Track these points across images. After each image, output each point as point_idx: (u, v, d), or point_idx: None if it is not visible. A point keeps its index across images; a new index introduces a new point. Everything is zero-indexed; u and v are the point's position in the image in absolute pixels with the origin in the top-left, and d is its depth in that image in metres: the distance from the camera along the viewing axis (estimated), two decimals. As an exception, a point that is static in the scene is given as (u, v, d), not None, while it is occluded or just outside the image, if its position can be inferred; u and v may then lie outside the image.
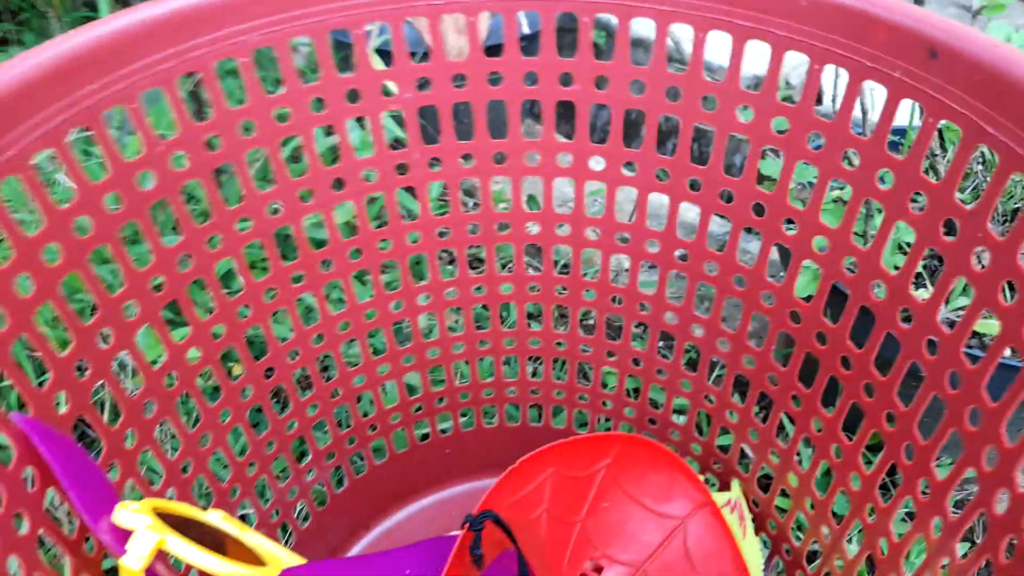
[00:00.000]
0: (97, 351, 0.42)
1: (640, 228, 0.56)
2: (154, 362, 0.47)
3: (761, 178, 0.50)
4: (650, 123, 0.51)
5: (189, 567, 0.49)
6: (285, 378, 0.58)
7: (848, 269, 0.46)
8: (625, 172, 0.54)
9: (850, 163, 0.44)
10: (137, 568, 0.34)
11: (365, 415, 0.66)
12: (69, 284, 0.41)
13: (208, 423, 0.53)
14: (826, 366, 0.49)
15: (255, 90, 0.45)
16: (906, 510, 0.64)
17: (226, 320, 0.51)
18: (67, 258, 0.39)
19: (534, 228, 0.59)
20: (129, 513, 0.35)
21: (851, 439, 0.49)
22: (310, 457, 0.64)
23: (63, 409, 0.40)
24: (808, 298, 0.50)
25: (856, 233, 0.58)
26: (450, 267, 0.65)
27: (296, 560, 0.46)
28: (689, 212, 0.65)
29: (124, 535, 0.35)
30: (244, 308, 0.52)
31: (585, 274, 0.61)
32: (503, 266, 0.61)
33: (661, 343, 0.69)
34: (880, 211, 0.43)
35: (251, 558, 0.40)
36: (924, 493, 0.42)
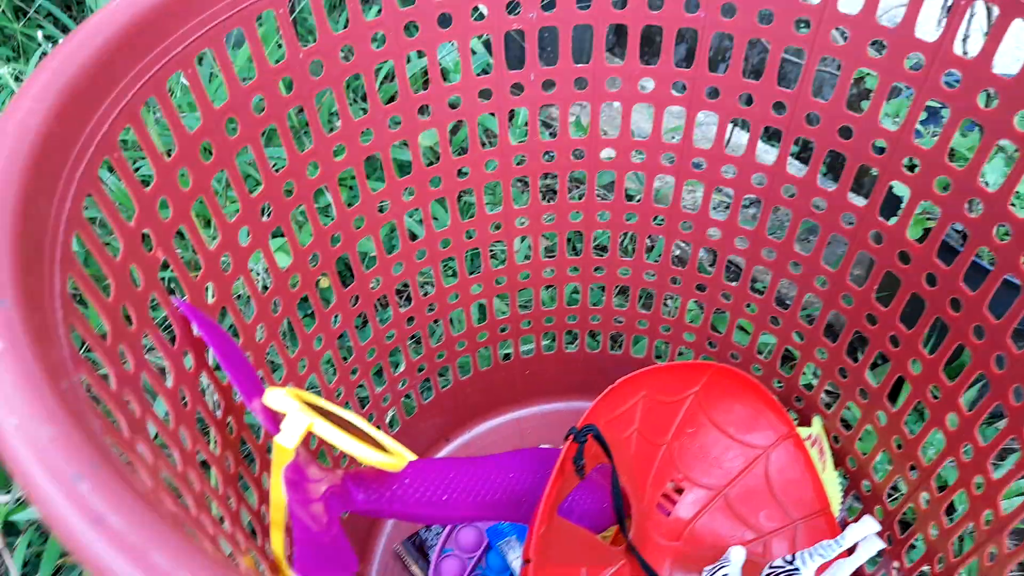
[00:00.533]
0: (238, 247, 0.44)
1: (749, 162, 0.56)
2: (282, 266, 0.50)
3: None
4: (737, 48, 0.50)
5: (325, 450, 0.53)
6: (388, 289, 0.60)
7: (971, 212, 0.46)
8: (708, 99, 0.53)
9: (987, 103, 0.43)
10: (291, 447, 0.36)
11: (456, 332, 0.69)
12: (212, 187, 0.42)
13: (321, 326, 0.55)
14: (934, 307, 0.49)
15: (356, 15, 0.45)
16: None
17: (342, 229, 0.53)
18: (218, 156, 0.41)
19: (638, 157, 0.60)
20: (280, 396, 0.37)
21: (951, 381, 0.49)
22: (403, 367, 0.66)
23: (211, 299, 0.42)
24: (921, 239, 0.50)
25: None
26: (547, 193, 0.65)
27: (413, 456, 0.48)
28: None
29: (275, 416, 0.38)
30: (360, 218, 0.54)
31: (684, 205, 0.61)
32: (600, 196, 0.62)
33: (753, 280, 0.69)
34: (1016, 153, 0.43)
35: (377, 449, 0.43)
36: (1029, 434, 0.43)
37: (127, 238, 0.34)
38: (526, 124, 0.57)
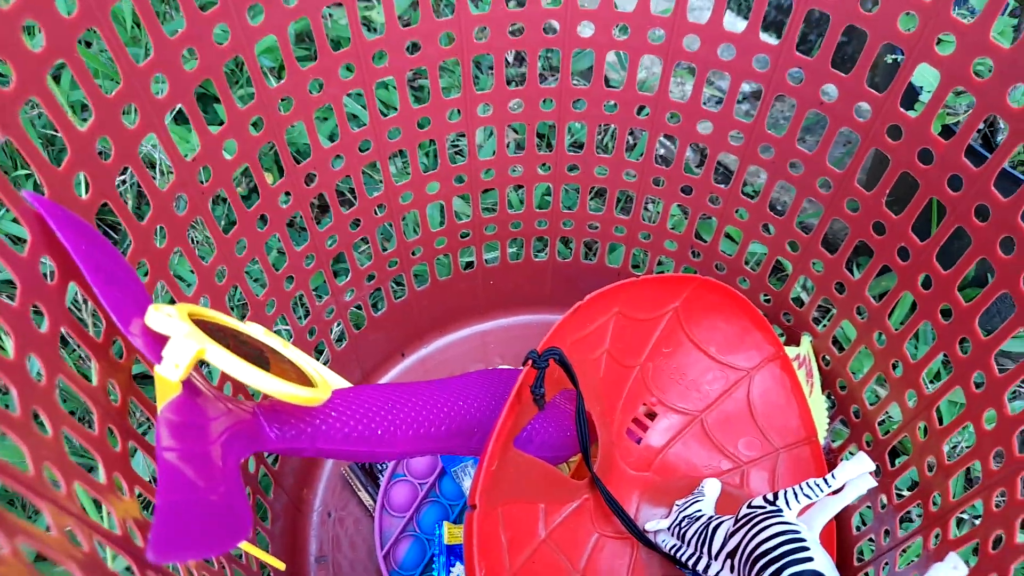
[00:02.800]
0: (123, 130, 0.36)
1: (752, 43, 0.47)
2: (186, 155, 0.41)
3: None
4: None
5: (228, 382, 0.46)
6: (327, 186, 0.52)
7: (1013, 102, 0.38)
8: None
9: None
10: (175, 379, 0.29)
11: (408, 237, 0.61)
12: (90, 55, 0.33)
13: (244, 228, 0.47)
14: (955, 216, 0.42)
15: None
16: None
17: (264, 112, 0.44)
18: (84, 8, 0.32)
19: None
20: (164, 316, 0.30)
21: (967, 301, 0.43)
22: (349, 277, 0.59)
23: (84, 194, 0.34)
24: (948, 133, 0.42)
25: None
26: (515, 80, 0.56)
27: (343, 383, 0.42)
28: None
29: (159, 341, 0.30)
30: (287, 100, 0.45)
31: (672, 95, 0.53)
32: (575, 83, 0.53)
33: (744, 183, 0.62)
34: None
35: (294, 377, 0.36)
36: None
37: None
38: (487, -11, 0.47)
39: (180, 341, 0.30)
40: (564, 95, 0.53)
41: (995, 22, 0.37)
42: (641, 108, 0.54)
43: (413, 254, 0.62)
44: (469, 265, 0.69)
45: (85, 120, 0.34)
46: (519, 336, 0.71)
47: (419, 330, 0.70)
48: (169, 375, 0.29)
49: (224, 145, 0.43)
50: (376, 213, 0.57)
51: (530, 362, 0.41)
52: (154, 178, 0.39)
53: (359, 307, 0.63)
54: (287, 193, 0.49)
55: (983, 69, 0.39)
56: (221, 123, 0.43)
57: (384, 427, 0.38)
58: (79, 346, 0.32)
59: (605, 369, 0.51)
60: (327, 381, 0.38)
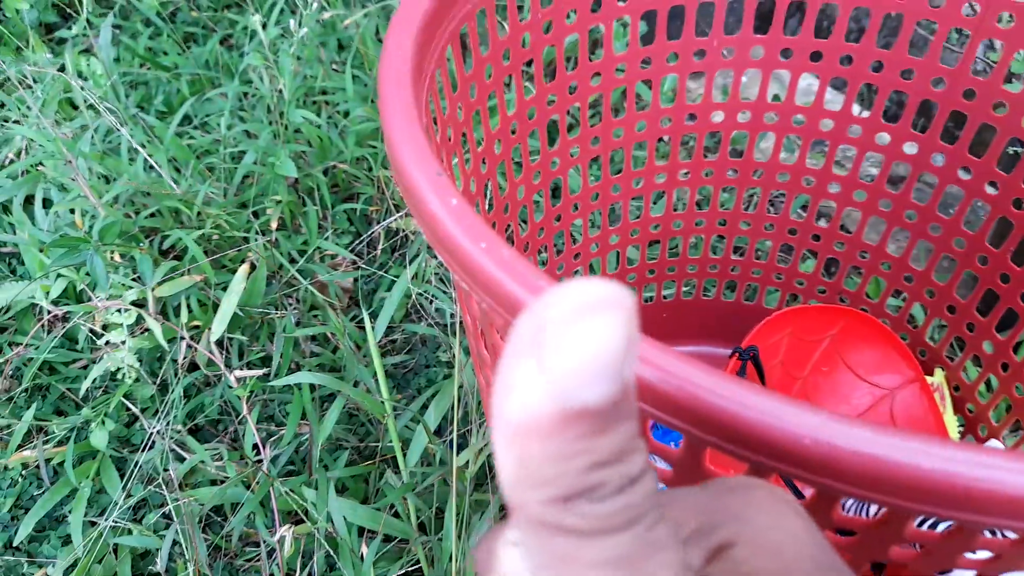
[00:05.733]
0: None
1: (902, 134, 0.63)
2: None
3: None
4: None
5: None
6: (548, 240, 0.69)
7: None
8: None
9: None
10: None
11: (607, 274, 0.78)
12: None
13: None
14: (1068, 267, 0.56)
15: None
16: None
17: (524, 182, 0.63)
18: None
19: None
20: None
21: (1079, 333, 0.56)
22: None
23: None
24: (1062, 206, 0.56)
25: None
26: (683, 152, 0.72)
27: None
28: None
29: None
30: (536, 172, 0.64)
31: (841, 163, 0.69)
32: (736, 152, 0.70)
33: (897, 234, 0.76)
34: None
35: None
36: None
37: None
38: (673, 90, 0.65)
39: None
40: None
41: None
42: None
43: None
44: (649, 299, 0.85)
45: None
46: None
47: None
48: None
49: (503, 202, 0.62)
50: (575, 259, 0.74)
51: (737, 354, 0.56)
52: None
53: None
54: (526, 244, 0.67)
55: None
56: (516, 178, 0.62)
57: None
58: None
59: (778, 377, 0.66)
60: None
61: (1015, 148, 0.70)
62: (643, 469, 0.14)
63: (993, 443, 0.54)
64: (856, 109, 0.64)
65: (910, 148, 0.63)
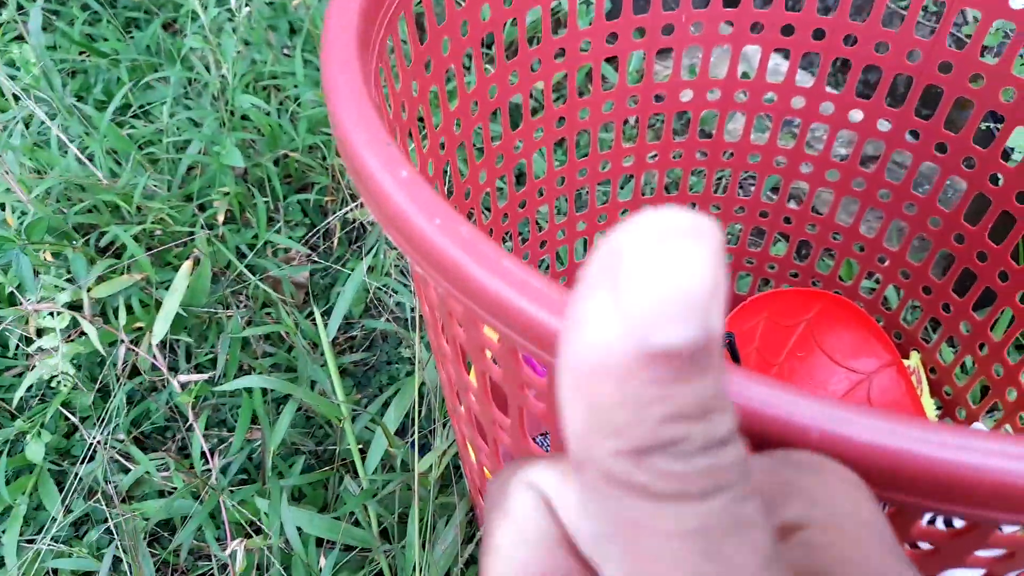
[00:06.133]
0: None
1: (877, 108, 0.61)
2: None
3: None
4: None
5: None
6: (512, 227, 0.66)
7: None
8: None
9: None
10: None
11: (561, 266, 0.75)
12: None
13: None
14: (1049, 243, 0.54)
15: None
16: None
17: (485, 167, 0.59)
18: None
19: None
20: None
21: (1059, 311, 0.54)
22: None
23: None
24: (1041, 181, 0.54)
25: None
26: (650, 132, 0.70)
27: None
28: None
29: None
30: (499, 156, 0.60)
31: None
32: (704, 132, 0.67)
33: (869, 215, 0.74)
34: None
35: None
36: None
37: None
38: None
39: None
40: (691, 147, 0.67)
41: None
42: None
43: (560, 281, 0.76)
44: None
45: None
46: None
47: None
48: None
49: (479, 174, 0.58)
50: (540, 247, 0.71)
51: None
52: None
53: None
54: (490, 230, 0.64)
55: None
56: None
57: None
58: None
59: (754, 363, 0.63)
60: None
61: (987, 124, 0.69)
62: (731, 432, 0.12)
63: (977, 426, 0.52)
64: (828, 89, 0.61)
65: (883, 125, 0.61)
